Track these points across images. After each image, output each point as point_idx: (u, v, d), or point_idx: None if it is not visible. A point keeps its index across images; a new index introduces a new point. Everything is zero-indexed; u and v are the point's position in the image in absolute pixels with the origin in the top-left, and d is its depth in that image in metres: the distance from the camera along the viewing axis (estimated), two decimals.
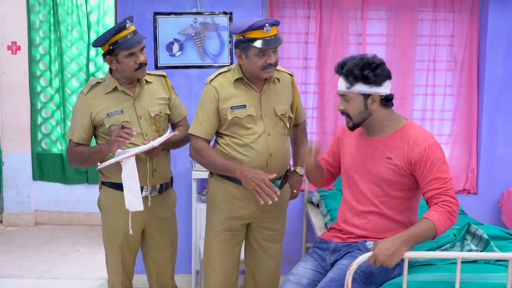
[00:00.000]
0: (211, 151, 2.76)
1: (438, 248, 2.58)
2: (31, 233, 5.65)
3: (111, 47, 2.75)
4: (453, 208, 2.27)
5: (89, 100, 2.82)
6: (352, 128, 2.46)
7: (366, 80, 2.34)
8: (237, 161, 2.72)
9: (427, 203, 2.35)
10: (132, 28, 2.78)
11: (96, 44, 2.79)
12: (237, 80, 2.75)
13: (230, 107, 2.72)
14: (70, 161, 2.95)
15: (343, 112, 2.44)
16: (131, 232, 2.81)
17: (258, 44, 2.63)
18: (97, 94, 2.84)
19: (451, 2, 4.03)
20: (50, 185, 5.97)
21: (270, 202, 2.58)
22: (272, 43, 2.65)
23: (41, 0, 5.71)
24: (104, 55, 2.81)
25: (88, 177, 5.91)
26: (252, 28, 2.62)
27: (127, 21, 2.75)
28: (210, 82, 2.79)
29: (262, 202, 2.59)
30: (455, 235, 2.65)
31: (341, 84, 2.40)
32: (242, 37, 2.66)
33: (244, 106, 2.73)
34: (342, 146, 2.61)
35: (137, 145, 2.76)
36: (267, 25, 2.63)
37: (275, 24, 2.69)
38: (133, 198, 2.71)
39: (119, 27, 2.73)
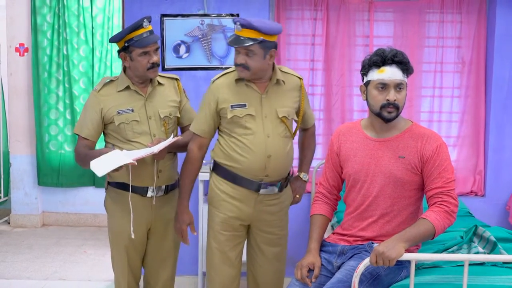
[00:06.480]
0: (191, 164, 2.85)
1: (445, 250, 2.57)
2: (38, 234, 5.67)
3: (126, 44, 2.79)
4: (451, 208, 2.28)
5: (101, 97, 2.85)
6: (395, 117, 2.40)
7: (408, 73, 2.40)
8: (236, 161, 2.74)
9: (427, 202, 2.35)
10: (149, 27, 2.82)
11: (113, 40, 2.83)
12: (238, 80, 2.77)
13: (231, 106, 2.74)
14: (76, 158, 2.94)
15: (394, 104, 2.35)
16: (133, 236, 2.83)
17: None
18: (109, 92, 2.87)
19: (459, 4, 4.02)
20: (57, 187, 5.98)
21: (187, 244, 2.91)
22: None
23: (48, 2, 5.74)
24: (119, 52, 2.85)
25: (94, 179, 5.92)
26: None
27: (145, 20, 2.80)
28: (213, 82, 2.83)
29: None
30: (462, 237, 2.65)
31: (395, 73, 2.35)
32: None
33: (244, 106, 2.74)
34: (342, 154, 2.56)
35: (144, 145, 2.79)
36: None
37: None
38: (104, 163, 2.62)
39: (136, 25, 2.77)
